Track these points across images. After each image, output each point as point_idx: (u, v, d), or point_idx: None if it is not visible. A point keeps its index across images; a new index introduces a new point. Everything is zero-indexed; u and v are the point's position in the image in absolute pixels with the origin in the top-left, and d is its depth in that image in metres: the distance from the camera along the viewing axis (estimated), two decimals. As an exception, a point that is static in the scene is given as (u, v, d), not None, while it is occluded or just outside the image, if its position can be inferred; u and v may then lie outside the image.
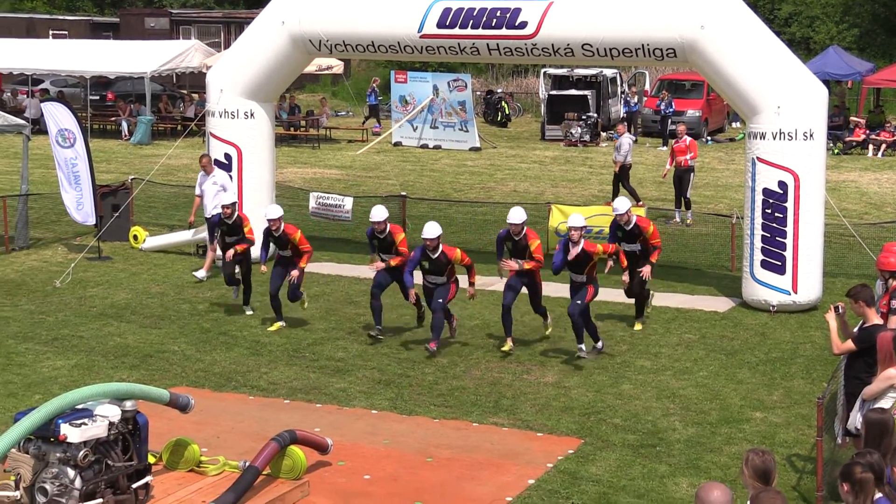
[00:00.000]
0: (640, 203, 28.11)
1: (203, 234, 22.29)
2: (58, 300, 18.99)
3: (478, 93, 49.44)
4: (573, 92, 43.92)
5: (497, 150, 41.06)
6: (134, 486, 10.58)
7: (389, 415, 13.69)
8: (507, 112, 48.41)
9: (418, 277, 16.40)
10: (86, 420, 10.20)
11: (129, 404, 10.64)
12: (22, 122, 24.08)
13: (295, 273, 17.05)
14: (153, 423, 11.17)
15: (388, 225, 16.63)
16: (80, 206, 22.56)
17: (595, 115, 42.72)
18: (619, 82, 46.43)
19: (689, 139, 26.68)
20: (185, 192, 28.79)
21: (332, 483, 11.53)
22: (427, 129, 42.18)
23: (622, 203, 17.17)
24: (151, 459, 11.14)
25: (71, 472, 10.11)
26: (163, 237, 23.40)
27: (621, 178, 28.16)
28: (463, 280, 16.56)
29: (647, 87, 47.24)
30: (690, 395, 14.43)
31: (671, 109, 41.04)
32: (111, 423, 10.38)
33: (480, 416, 13.65)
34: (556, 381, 14.97)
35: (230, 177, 21.00)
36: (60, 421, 10.09)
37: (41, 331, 17.05)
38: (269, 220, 17.11)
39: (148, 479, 10.73)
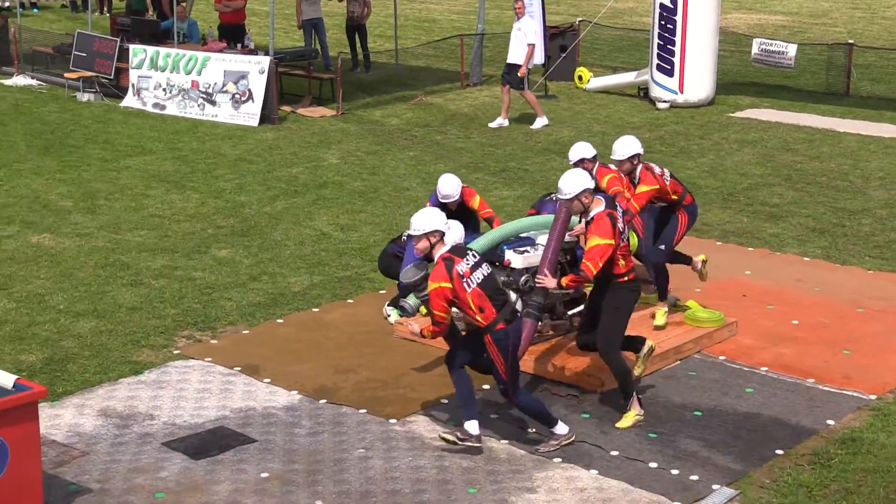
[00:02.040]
0: None
1: (645, 76, 22.24)
2: (505, 134, 19.58)
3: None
4: None
5: (955, -3, 38.25)
6: (570, 313, 10.92)
7: (821, 263, 13.33)
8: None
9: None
10: (528, 248, 10.57)
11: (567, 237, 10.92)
12: (480, -36, 24.64)
13: None
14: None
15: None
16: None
17: None
18: None
19: None
20: (629, 35, 28.75)
21: (759, 325, 11.42)
22: (881, -26, 39.82)
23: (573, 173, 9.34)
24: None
25: (512, 296, 10.52)
26: (606, 78, 23.54)
27: None
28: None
29: None
30: None
31: None
32: (551, 253, 10.68)
33: (917, 270, 13.06)
34: None
35: (540, 25, 19.79)
36: (505, 247, 10.51)
37: (490, 162, 17.68)
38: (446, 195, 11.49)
39: (582, 307, 11.02)
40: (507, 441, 9.14)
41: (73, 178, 16.20)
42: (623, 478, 8.62)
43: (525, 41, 19.88)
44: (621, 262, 9.22)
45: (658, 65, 21.43)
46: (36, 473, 7.76)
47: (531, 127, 20.04)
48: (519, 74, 19.87)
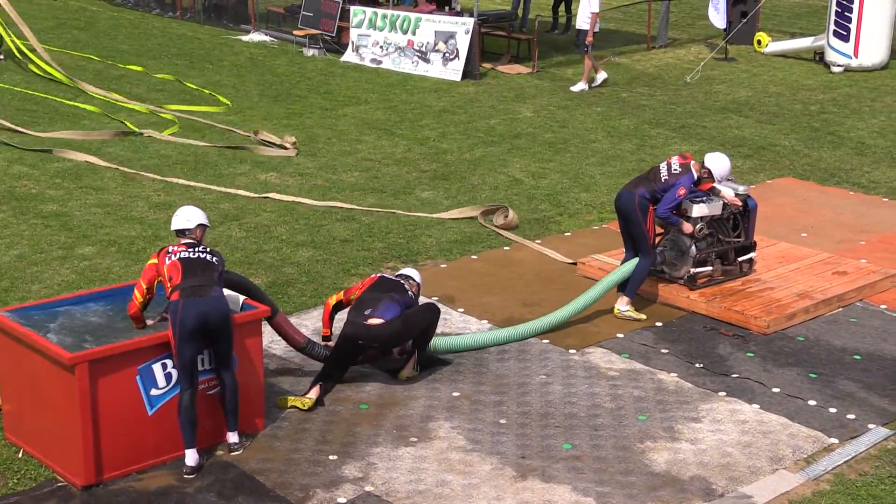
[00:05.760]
0: None
1: (821, 41, 21.37)
2: (687, 93, 19.14)
3: None
4: None
5: None
6: (740, 259, 10.67)
7: None
8: None
9: None
10: (704, 199, 10.33)
11: (741, 188, 10.64)
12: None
13: None
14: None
15: None
16: (717, 9, 22.10)
17: None
18: None
19: None
20: (809, 3, 27.68)
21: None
22: None
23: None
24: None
25: (687, 241, 10.34)
26: (784, 43, 22.73)
27: None
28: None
29: None
30: None
31: None
32: (724, 204, 10.43)
33: None
34: None
35: None
36: (687, 198, 10.24)
37: (671, 119, 17.32)
38: None
39: (752, 255, 10.76)
40: (675, 374, 9.02)
41: (298, 124, 16.54)
42: (783, 413, 8.42)
43: (589, 9, 18.92)
44: None
45: (835, 31, 20.55)
46: (258, 379, 8.03)
47: (571, 88, 19.22)
48: (586, 42, 18.99)
